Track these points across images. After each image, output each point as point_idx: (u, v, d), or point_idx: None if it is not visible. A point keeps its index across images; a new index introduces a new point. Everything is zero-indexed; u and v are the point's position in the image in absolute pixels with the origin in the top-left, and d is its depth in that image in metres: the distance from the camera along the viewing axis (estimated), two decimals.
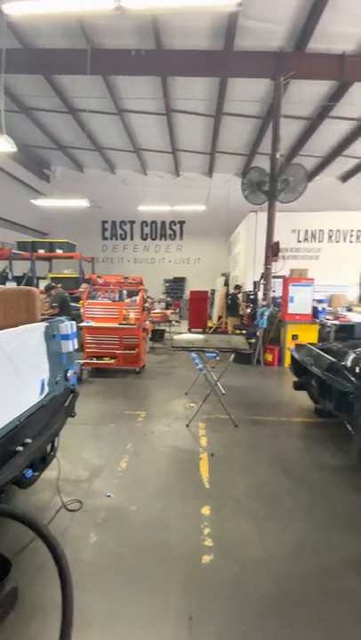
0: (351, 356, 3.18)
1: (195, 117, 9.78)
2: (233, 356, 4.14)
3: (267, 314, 6.88)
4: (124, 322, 5.83)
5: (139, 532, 2.25)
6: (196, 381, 4.91)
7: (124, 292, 6.87)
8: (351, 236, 9.00)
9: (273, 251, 7.32)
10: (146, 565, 2.00)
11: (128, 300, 6.63)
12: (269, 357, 6.97)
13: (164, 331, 8.80)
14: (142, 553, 2.08)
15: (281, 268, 7.34)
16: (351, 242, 8.97)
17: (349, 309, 8.20)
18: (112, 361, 5.73)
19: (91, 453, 3.26)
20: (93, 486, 2.73)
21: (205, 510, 2.47)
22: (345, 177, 12.78)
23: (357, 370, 3.01)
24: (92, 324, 5.79)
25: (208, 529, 2.29)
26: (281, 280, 7.29)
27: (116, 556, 2.07)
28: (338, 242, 9.07)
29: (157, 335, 8.52)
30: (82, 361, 5.55)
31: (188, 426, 3.89)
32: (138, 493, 2.66)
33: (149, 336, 7.83)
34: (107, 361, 5.74)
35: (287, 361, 6.26)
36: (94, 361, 5.79)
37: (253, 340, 6.84)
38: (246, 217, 9.38)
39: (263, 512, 2.48)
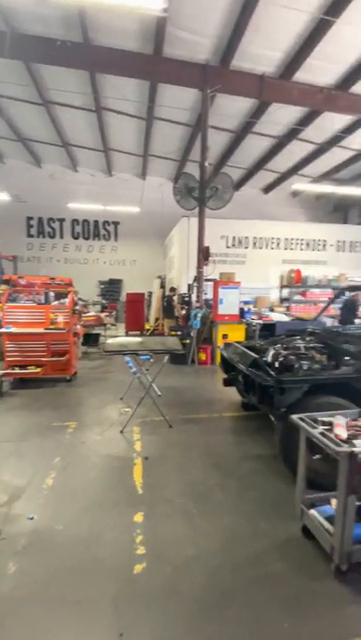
0: (271, 352, 3.43)
1: (127, 118, 9.67)
2: (167, 357, 4.16)
3: (200, 315, 7.11)
4: (51, 326, 5.42)
5: (66, 553, 2.09)
6: (132, 385, 4.82)
7: (51, 294, 6.40)
8: (273, 243, 9.86)
9: (204, 255, 7.61)
10: (74, 588, 1.86)
11: (56, 303, 6.20)
12: (203, 356, 7.21)
13: (98, 335, 8.47)
14: (70, 575, 1.94)
15: (212, 271, 7.66)
16: (273, 248, 9.83)
17: (272, 309, 8.96)
18: (38, 370, 5.27)
19: (12, 474, 2.94)
20: (13, 510, 2.46)
21: (138, 517, 2.41)
22: (267, 189, 13.93)
23: (277, 365, 3.27)
24: (13, 329, 5.26)
25: (140, 536, 2.24)
26: (212, 283, 7.62)
27: (40, 583, 1.88)
28: (261, 248, 9.84)
29: (91, 339, 8.16)
30: (1, 372, 5.01)
31: (122, 432, 3.78)
32: (65, 511, 2.47)
33: (82, 341, 7.45)
34: (32, 370, 5.26)
35: (218, 359, 6.55)
36: (17, 371, 5.26)
37: (188, 341, 7.00)
38: (180, 221, 9.59)
39: (196, 509, 2.52)
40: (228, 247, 9.63)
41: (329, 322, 7.96)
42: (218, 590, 1.86)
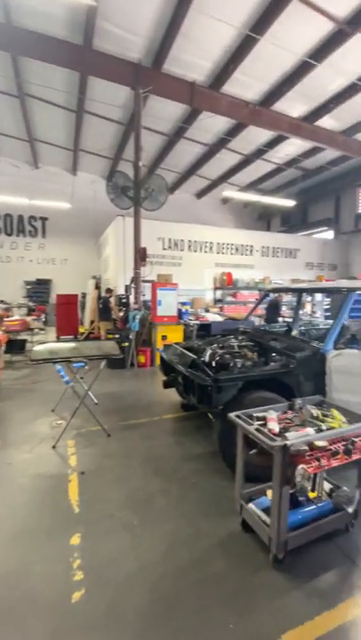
0: (208, 352, 3.52)
1: (54, 108, 9.05)
2: (105, 362, 3.96)
3: (138, 317, 6.99)
4: None
5: None
6: (65, 395, 4.48)
7: None
8: (206, 246, 10.23)
9: (141, 256, 7.50)
10: (4, 635, 1.61)
11: None
12: (142, 359, 7.10)
13: (25, 341, 7.72)
14: None
15: (149, 272, 7.60)
16: (206, 252, 10.20)
17: (207, 310, 9.29)
18: None
19: None
20: None
21: (75, 539, 2.22)
22: (200, 194, 14.43)
23: (214, 364, 3.35)
24: None
25: (78, 560, 2.06)
26: (150, 284, 7.56)
27: None
28: (196, 251, 10.13)
29: (16, 347, 7.39)
30: None
31: (54, 447, 3.46)
32: None
33: (4, 349, 6.70)
34: None
35: (158, 361, 6.52)
36: None
37: (127, 344, 6.82)
38: (114, 220, 9.31)
39: (137, 520, 2.43)
40: (164, 249, 9.68)
41: (256, 321, 8.55)
42: (162, 602, 1.80)
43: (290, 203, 10.61)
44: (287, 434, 2.03)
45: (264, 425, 2.19)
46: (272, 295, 8.20)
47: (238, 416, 2.29)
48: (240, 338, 3.96)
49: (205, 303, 9.98)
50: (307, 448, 1.86)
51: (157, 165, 11.45)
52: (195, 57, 6.91)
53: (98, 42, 6.65)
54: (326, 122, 8.89)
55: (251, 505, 2.26)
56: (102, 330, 8.68)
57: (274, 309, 8.26)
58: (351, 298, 3.40)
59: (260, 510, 2.20)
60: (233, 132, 9.55)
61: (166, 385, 4.24)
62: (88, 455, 3.34)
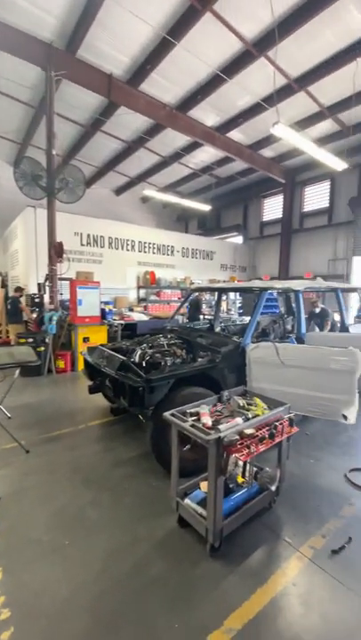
0: (138, 352, 3.45)
1: None
2: (18, 370, 3.51)
3: (55, 318, 6.43)
4: None
5: None
6: None
7: None
8: (128, 244, 10.05)
9: (57, 251, 6.91)
10: None
11: None
12: (62, 364, 6.57)
13: None
14: None
15: (67, 269, 7.06)
16: (128, 250, 10.02)
17: (131, 309, 9.15)
18: None
19: None
20: None
21: None
22: (118, 191, 14.08)
23: (144, 364, 3.31)
24: None
25: (2, 597, 1.77)
26: (68, 282, 7.03)
27: None
28: (117, 249, 9.86)
29: None
30: None
31: None
32: None
33: None
34: None
35: (80, 365, 6.12)
36: None
37: (42, 348, 6.21)
38: (24, 211, 8.36)
39: (68, 539, 2.22)
40: (82, 245, 9.12)
41: (180, 319, 8.81)
42: (103, 621, 1.68)
43: (206, 207, 11.19)
44: (220, 426, 2.11)
45: (198, 420, 2.25)
46: (194, 294, 8.56)
47: (173, 414, 2.29)
48: (169, 336, 3.99)
49: (129, 302, 9.81)
50: (238, 437, 1.97)
51: (72, 156, 10.73)
52: (112, 49, 6.67)
53: (3, 13, 5.85)
54: (236, 135, 9.65)
55: (187, 500, 2.30)
56: (12, 334, 7.73)
57: (195, 308, 8.61)
58: (264, 296, 3.75)
59: (195, 504, 2.25)
60: (152, 132, 9.58)
61: (92, 390, 3.99)
62: (4, 478, 2.92)
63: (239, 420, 2.19)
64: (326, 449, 3.53)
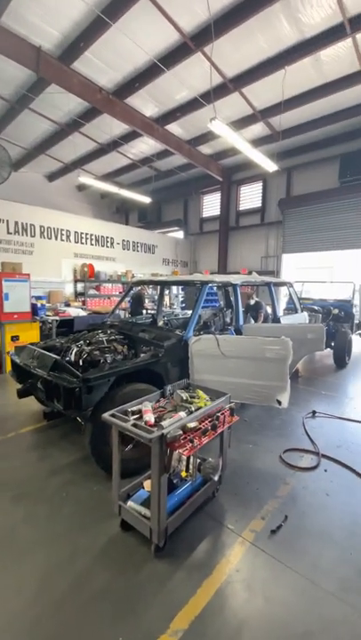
0: (74, 350, 3.20)
1: None
2: None
3: None
4: None
5: None
6: None
7: None
8: (63, 235, 9.35)
9: None
10: None
11: None
12: None
13: None
14: None
15: None
16: (63, 240, 9.33)
17: (68, 304, 8.56)
18: None
19: None
20: None
21: None
22: (51, 177, 13.01)
23: (81, 362, 3.07)
24: None
25: None
26: None
27: None
28: (51, 239, 9.11)
29: None
30: None
31: None
32: None
33: None
34: None
35: (9, 367, 5.51)
36: None
37: None
38: None
39: None
40: (9, 233, 8.21)
41: (122, 314, 8.54)
42: None
43: (145, 199, 10.99)
44: (163, 422, 2.04)
45: (140, 418, 2.14)
46: (136, 288, 8.35)
47: (113, 415, 2.14)
48: (108, 332, 3.78)
49: (65, 297, 9.16)
50: (181, 432, 1.91)
51: None
52: (41, 21, 6.01)
53: None
54: (175, 129, 9.60)
55: (130, 503, 2.18)
56: None
57: (138, 302, 8.41)
58: (205, 289, 3.78)
59: (138, 505, 2.15)
60: (87, 116, 9.00)
61: (21, 394, 3.58)
62: None
63: (182, 414, 2.15)
64: (262, 432, 3.73)
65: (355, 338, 7.29)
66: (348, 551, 2.10)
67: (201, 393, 2.54)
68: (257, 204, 11.34)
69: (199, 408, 2.29)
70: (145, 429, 1.96)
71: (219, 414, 2.28)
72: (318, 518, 2.39)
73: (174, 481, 2.28)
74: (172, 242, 12.65)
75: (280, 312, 5.76)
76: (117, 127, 9.57)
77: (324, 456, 3.23)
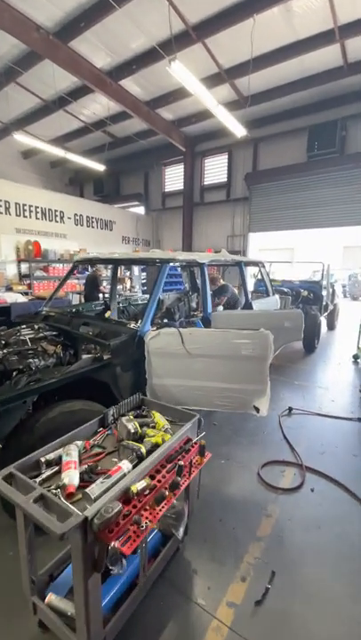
0: None
1: None
2: None
3: None
4: None
5: None
6: None
7: None
8: (0, 206, 7.84)
9: None
10: None
11: None
12: None
13: None
14: None
15: None
16: (1, 213, 7.83)
17: (10, 288, 7.27)
18: None
19: None
20: None
21: None
22: None
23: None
24: None
25: None
26: None
27: None
28: None
29: None
30: None
31: None
32: None
33: None
34: None
35: None
36: None
37: None
38: None
39: None
40: None
41: (76, 299, 7.46)
42: None
43: (99, 166, 9.65)
44: (92, 486, 1.25)
45: (58, 473, 1.33)
46: (91, 269, 7.27)
47: (12, 476, 1.29)
48: (38, 327, 2.85)
49: (8, 279, 7.82)
50: (120, 507, 1.14)
51: None
52: None
53: None
54: (132, 87, 8.30)
55: (50, 598, 1.40)
56: None
57: (92, 285, 7.35)
58: (165, 270, 2.96)
59: (63, 600, 1.38)
60: (24, 63, 7.40)
61: None
62: None
63: (125, 465, 1.37)
64: (235, 440, 3.11)
65: (323, 321, 6.96)
66: (356, 621, 1.54)
67: (158, 417, 1.78)
68: (222, 178, 10.48)
69: (155, 446, 1.53)
70: (57, 506, 1.15)
71: (183, 457, 1.53)
72: (313, 568, 1.81)
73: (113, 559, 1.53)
74: (132, 218, 11.44)
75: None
76: (63, 79, 8.05)
77: (308, 468, 2.68)
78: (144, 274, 10.15)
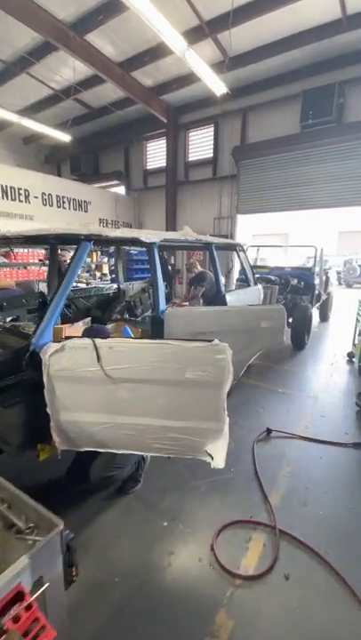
0: None
1: None
2: None
3: None
4: None
5: None
6: None
7: None
8: None
9: None
10: None
11: None
12: None
13: None
14: None
15: None
16: None
17: None
18: None
19: None
20: None
21: None
22: None
23: None
24: None
25: None
26: None
27: None
28: None
29: None
30: None
31: None
32: None
33: None
34: None
35: None
36: None
37: None
38: None
39: None
40: None
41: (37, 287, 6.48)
42: None
43: (64, 136, 8.52)
44: None
45: None
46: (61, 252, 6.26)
47: None
48: None
49: None
50: None
51: None
52: None
53: None
54: (102, 45, 7.09)
55: None
56: None
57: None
58: (84, 250, 2.01)
59: None
60: None
61: None
62: None
63: None
64: (189, 485, 2.27)
65: (315, 312, 6.09)
66: None
67: None
68: (208, 153, 9.33)
69: None
70: None
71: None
72: None
73: None
74: (110, 198, 10.28)
75: (233, 284, 4.24)
76: (20, 35, 6.80)
77: (283, 534, 1.87)
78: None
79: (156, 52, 7.25)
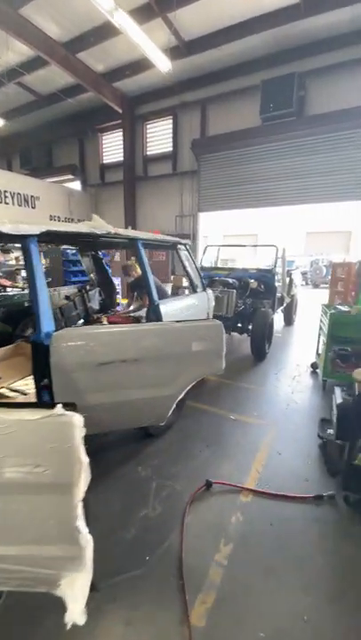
0: None
1: None
2: None
3: None
4: None
5: None
6: None
7: None
8: None
9: None
10: None
11: None
12: None
13: None
14: None
15: None
16: None
17: None
18: None
19: None
20: None
21: None
22: None
23: None
24: None
25: None
26: None
27: None
28: None
29: None
30: None
31: None
32: None
33: None
34: None
35: None
36: None
37: None
38: None
39: None
40: None
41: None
42: None
43: None
44: None
45: None
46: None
47: None
48: None
49: None
50: None
51: None
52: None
53: None
54: (41, 22, 6.17)
55: None
56: None
57: None
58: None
59: None
60: None
61: None
62: None
63: None
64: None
65: (279, 316, 5.52)
66: None
67: None
68: (168, 147, 8.60)
69: None
70: None
71: None
72: None
73: None
74: (62, 193, 9.24)
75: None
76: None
77: None
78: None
79: (102, 31, 6.42)
